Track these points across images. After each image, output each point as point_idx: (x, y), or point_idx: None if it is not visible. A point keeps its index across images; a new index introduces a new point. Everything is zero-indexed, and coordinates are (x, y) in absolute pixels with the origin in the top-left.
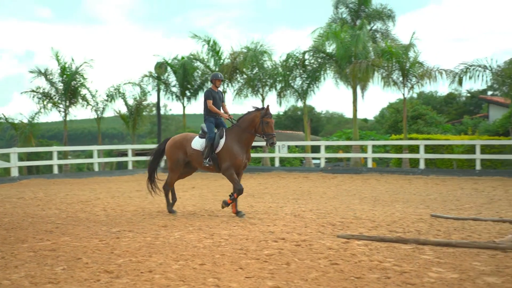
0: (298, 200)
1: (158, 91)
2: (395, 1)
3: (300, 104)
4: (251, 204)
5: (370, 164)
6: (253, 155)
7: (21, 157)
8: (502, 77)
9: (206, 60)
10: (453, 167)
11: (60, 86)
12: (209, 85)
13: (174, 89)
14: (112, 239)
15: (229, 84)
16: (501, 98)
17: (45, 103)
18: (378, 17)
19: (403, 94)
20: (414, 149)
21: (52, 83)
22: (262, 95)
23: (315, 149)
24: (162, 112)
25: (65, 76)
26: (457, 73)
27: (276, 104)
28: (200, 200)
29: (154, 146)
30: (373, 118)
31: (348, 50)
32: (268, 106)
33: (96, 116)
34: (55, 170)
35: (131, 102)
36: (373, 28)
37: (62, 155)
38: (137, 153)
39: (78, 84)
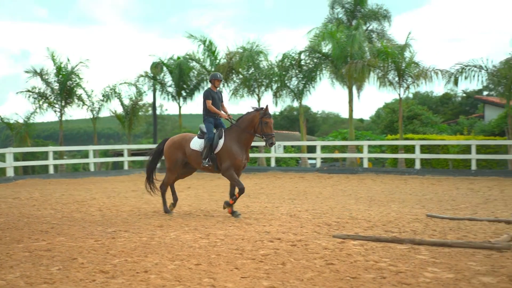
0: (294, 200)
1: (154, 91)
2: (391, 1)
3: (296, 104)
4: (246, 204)
5: (366, 164)
6: (249, 155)
7: (17, 157)
8: (498, 77)
9: (202, 60)
10: (448, 167)
11: (56, 86)
12: (204, 85)
13: (170, 89)
14: (107, 239)
15: (225, 84)
16: (496, 98)
17: (40, 103)
18: (374, 17)
19: (399, 94)
20: (409, 149)
21: (47, 83)
22: (258, 95)
23: (311, 149)
24: (158, 112)
25: (60, 76)
26: (453, 73)
27: (272, 104)
28: (196, 200)
29: (150, 146)
30: (369, 118)
31: (344, 50)
32: (267, 106)
33: (92, 116)
34: (51, 170)
35: (127, 102)
36: (369, 28)
37: (58, 155)
38: (133, 153)
39: (74, 84)
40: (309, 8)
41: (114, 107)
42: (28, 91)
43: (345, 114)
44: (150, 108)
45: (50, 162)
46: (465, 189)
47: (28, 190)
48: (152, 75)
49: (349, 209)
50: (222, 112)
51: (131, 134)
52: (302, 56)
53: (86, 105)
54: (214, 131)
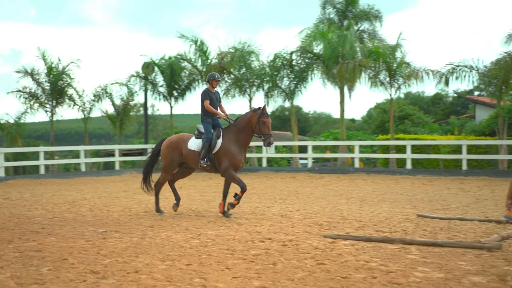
0: (285, 200)
1: (145, 91)
2: (382, 1)
3: (287, 104)
4: (238, 204)
5: (357, 164)
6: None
7: (8, 158)
8: (489, 78)
9: (193, 60)
10: (439, 167)
11: (47, 86)
12: (196, 85)
13: (162, 89)
14: (98, 240)
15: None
16: (487, 98)
17: (31, 103)
18: (365, 18)
19: (390, 95)
20: (401, 149)
21: (38, 83)
22: (249, 95)
23: (303, 149)
24: (149, 112)
25: (51, 76)
26: (444, 73)
27: (260, 105)
28: (187, 201)
29: (141, 146)
30: (361, 118)
31: (335, 50)
32: (265, 105)
33: (83, 116)
34: (42, 170)
35: (118, 102)
36: (360, 28)
37: (49, 155)
38: (124, 153)
39: (65, 84)
40: (301, 8)
41: (106, 107)
42: (19, 91)
43: (336, 114)
44: (141, 108)
45: (41, 162)
46: (456, 189)
47: (18, 191)
48: (143, 75)
49: (340, 209)
50: (220, 112)
51: (123, 134)
52: (294, 56)
53: (77, 105)
54: (212, 131)
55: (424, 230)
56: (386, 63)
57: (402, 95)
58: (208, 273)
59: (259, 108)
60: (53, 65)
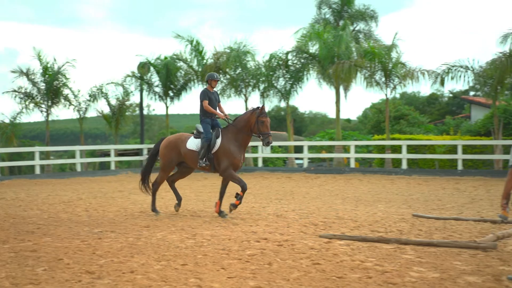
0: (281, 200)
1: (141, 91)
2: (378, 1)
3: (283, 104)
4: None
5: (353, 164)
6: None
7: (3, 158)
8: (484, 78)
9: (189, 60)
10: (435, 167)
11: (42, 86)
12: (192, 85)
13: (157, 89)
14: (94, 240)
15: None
16: (483, 98)
17: (27, 103)
18: (361, 18)
19: (386, 95)
20: (396, 149)
21: (34, 83)
22: (245, 95)
23: (298, 149)
24: (145, 112)
25: (47, 76)
26: (439, 73)
27: (259, 105)
28: (183, 201)
29: (137, 146)
30: (356, 118)
31: (331, 50)
32: (263, 105)
33: (78, 116)
34: (37, 170)
35: (113, 102)
36: (356, 28)
37: (45, 155)
38: (120, 153)
39: (61, 84)
40: (296, 9)
41: (101, 107)
42: (14, 91)
43: (332, 114)
44: (137, 108)
45: (37, 162)
46: (451, 189)
47: (14, 191)
48: (139, 75)
49: (336, 209)
50: (219, 112)
51: (118, 134)
52: (289, 56)
53: (73, 105)
54: (211, 131)
55: (419, 230)
56: (382, 63)
57: (397, 95)
58: (204, 273)
59: (258, 107)
60: (48, 65)
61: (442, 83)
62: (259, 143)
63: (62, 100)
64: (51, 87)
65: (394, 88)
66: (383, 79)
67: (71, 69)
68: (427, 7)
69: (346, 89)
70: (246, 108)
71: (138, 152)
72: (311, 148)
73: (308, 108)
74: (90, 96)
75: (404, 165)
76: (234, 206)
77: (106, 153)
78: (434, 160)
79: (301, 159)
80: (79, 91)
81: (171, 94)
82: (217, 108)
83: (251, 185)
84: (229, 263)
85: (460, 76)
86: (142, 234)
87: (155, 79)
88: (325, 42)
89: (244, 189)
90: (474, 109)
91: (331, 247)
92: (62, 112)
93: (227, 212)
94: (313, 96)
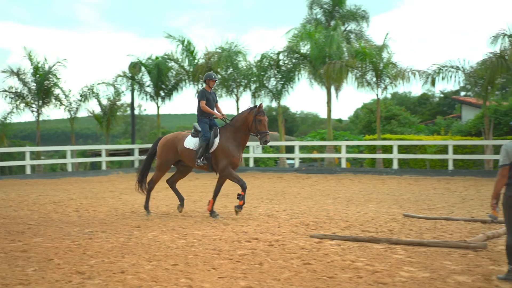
0: (272, 200)
1: (132, 91)
2: (368, 2)
3: (274, 104)
4: (224, 204)
5: (344, 164)
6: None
7: None
8: (475, 78)
9: (180, 60)
10: (426, 167)
11: (33, 86)
12: (183, 85)
13: (148, 89)
14: (84, 240)
15: (203, 84)
16: (473, 98)
17: (17, 103)
18: (352, 18)
19: (377, 95)
20: (387, 149)
21: (24, 83)
22: (236, 95)
23: (290, 149)
24: (136, 112)
25: (38, 76)
26: (430, 74)
27: (250, 105)
28: (174, 201)
29: (128, 146)
30: (348, 118)
31: (322, 50)
32: (261, 104)
33: (69, 116)
34: (28, 170)
35: (105, 102)
36: (347, 28)
37: (35, 155)
38: (111, 153)
39: (51, 84)
40: (288, 9)
41: (92, 107)
42: (5, 91)
43: (323, 115)
44: (128, 108)
45: (27, 162)
46: (442, 189)
47: (4, 191)
48: (130, 75)
49: (327, 209)
50: (217, 112)
51: (109, 135)
52: (281, 57)
53: (64, 105)
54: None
55: (410, 230)
56: (373, 63)
57: (388, 96)
58: (194, 273)
59: (255, 106)
60: (39, 65)
61: (433, 83)
62: (249, 143)
63: (53, 100)
64: (42, 87)
65: (385, 88)
66: (374, 79)
67: (62, 69)
68: (417, 8)
69: (337, 89)
70: (237, 108)
71: (129, 152)
72: (303, 148)
73: (299, 108)
74: (81, 96)
75: (395, 165)
76: (239, 208)
77: (97, 153)
78: (425, 160)
79: (293, 159)
80: (70, 91)
81: (162, 94)
82: (215, 108)
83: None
84: (220, 263)
85: (451, 77)
86: (133, 234)
87: (146, 79)
88: (317, 42)
89: (243, 188)
90: (464, 109)
91: (322, 247)
92: (53, 112)
93: (218, 212)
94: (305, 96)
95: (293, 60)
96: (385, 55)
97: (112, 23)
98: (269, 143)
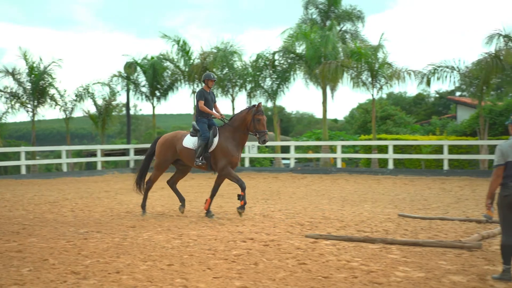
0: (267, 200)
1: (128, 91)
2: (362, 3)
3: (270, 104)
4: (220, 204)
5: (339, 164)
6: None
7: None
8: (470, 78)
9: (176, 60)
10: (421, 167)
11: (28, 86)
12: (178, 85)
13: (144, 89)
14: (79, 240)
15: (199, 84)
16: (468, 99)
17: (12, 103)
18: (347, 18)
19: (372, 95)
20: (383, 149)
21: (20, 83)
22: (232, 95)
23: (285, 149)
24: (132, 112)
25: (33, 75)
26: (425, 74)
27: (246, 105)
28: (169, 201)
29: (123, 146)
30: (343, 118)
31: (318, 50)
32: (260, 103)
33: (64, 116)
34: (23, 170)
35: (100, 102)
36: (343, 29)
37: (30, 155)
38: (106, 153)
39: (47, 84)
40: (283, 9)
41: (88, 107)
42: (0, 91)
43: (319, 115)
44: (123, 108)
45: (22, 162)
46: (437, 189)
47: None
48: (125, 75)
49: (322, 209)
50: (215, 112)
51: (105, 134)
52: (276, 57)
53: (59, 105)
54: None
55: (405, 229)
56: (368, 63)
57: (384, 96)
58: (190, 273)
59: (254, 105)
60: (34, 65)
61: (428, 83)
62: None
63: (48, 100)
64: (37, 87)
65: (381, 88)
66: (370, 79)
67: (57, 69)
68: (410, 8)
69: (332, 89)
70: (233, 108)
71: (124, 152)
72: (298, 148)
73: (295, 108)
74: (76, 96)
75: (391, 165)
76: (242, 208)
77: (93, 153)
78: (420, 160)
79: (288, 159)
80: (65, 91)
81: (158, 94)
82: (213, 108)
83: (238, 185)
84: (215, 263)
85: (446, 77)
86: (128, 234)
87: (142, 79)
88: (312, 42)
89: (242, 188)
90: (460, 109)
91: (317, 247)
92: (48, 112)
93: (214, 212)
94: (300, 96)
95: (289, 60)
96: (380, 55)
97: (107, 23)
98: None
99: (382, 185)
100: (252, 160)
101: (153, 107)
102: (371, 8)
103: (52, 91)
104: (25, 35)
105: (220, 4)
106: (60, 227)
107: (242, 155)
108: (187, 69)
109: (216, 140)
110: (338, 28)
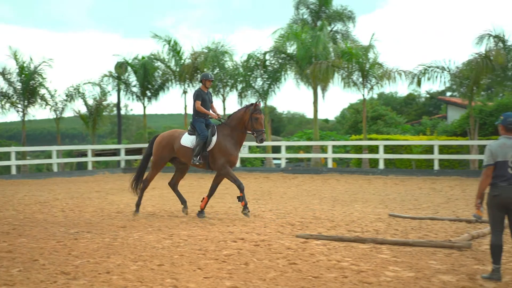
0: (258, 200)
1: (118, 91)
2: (355, 2)
3: (261, 104)
4: (211, 204)
5: (330, 164)
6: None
7: None
8: (460, 78)
9: (167, 60)
10: (412, 167)
11: (19, 85)
12: (169, 85)
13: (135, 89)
14: (70, 240)
15: (190, 84)
16: (459, 99)
17: (3, 103)
18: (338, 18)
19: (363, 95)
20: (373, 149)
21: (10, 83)
22: (223, 95)
23: (276, 149)
24: (122, 112)
25: (23, 75)
26: (416, 74)
27: (237, 105)
28: (160, 201)
29: (114, 146)
30: (334, 118)
31: (309, 50)
32: (258, 102)
33: (55, 116)
34: (13, 170)
35: (91, 102)
36: (334, 29)
37: (21, 155)
38: (97, 153)
39: (37, 84)
40: (274, 9)
41: (78, 107)
42: None
43: (310, 115)
44: (114, 108)
45: (13, 162)
46: (428, 188)
47: None
48: (116, 75)
49: (313, 209)
50: (212, 112)
51: (95, 135)
52: (267, 57)
53: (50, 105)
54: None
55: (395, 229)
56: (359, 63)
57: (375, 96)
58: (180, 273)
59: (252, 104)
60: (25, 65)
61: (418, 83)
62: None
63: (39, 100)
64: (28, 86)
65: (372, 88)
66: (361, 79)
67: (48, 69)
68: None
69: (323, 89)
70: (224, 108)
71: (115, 152)
72: (289, 148)
73: (286, 108)
74: (67, 96)
75: (381, 165)
76: (246, 209)
77: (83, 153)
78: (411, 160)
79: (279, 159)
80: (55, 91)
81: (149, 94)
82: (210, 109)
83: (229, 185)
84: (205, 263)
85: (436, 77)
86: (119, 234)
87: (133, 79)
88: (303, 42)
89: (241, 188)
90: (450, 109)
91: (307, 247)
92: (38, 112)
93: (205, 212)
94: (291, 96)
95: (280, 60)
96: (371, 55)
97: (98, 23)
98: (256, 143)
99: (373, 185)
100: (243, 160)
101: (144, 107)
102: (362, 8)
103: (42, 91)
104: (15, 34)
105: (211, 4)
106: (51, 227)
107: None
108: (178, 69)
109: (214, 139)
110: (329, 28)
